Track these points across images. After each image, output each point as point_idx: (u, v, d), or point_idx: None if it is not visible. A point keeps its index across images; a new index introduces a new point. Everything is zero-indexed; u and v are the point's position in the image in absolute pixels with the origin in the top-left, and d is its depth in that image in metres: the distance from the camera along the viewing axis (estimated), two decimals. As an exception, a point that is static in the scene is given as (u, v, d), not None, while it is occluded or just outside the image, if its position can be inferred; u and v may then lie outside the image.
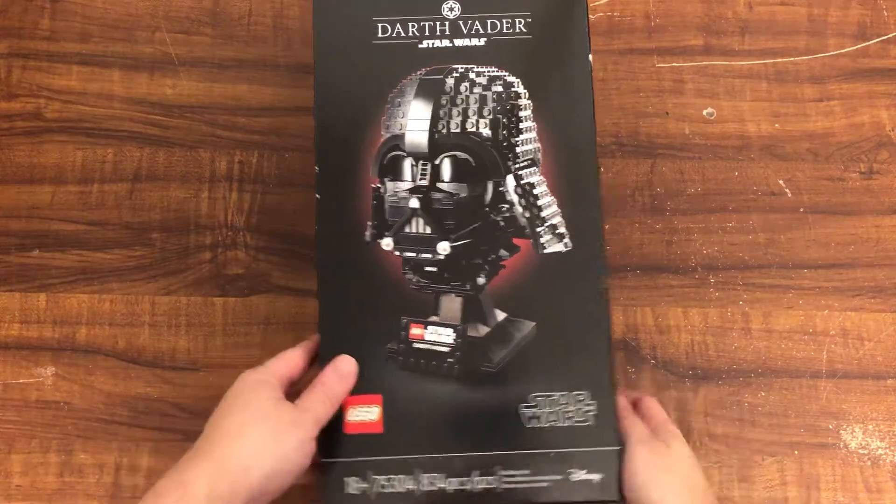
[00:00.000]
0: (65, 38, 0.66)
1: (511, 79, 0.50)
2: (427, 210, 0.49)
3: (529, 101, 0.50)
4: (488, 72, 0.50)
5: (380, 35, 0.51)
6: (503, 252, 0.49)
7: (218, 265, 0.62)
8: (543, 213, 0.49)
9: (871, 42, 0.66)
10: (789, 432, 0.59)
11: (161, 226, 0.62)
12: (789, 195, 0.63)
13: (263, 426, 0.44)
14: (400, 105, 0.50)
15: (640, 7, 0.66)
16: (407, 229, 0.49)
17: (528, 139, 0.50)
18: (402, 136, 0.49)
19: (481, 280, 0.49)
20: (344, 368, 0.48)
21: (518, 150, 0.49)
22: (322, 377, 0.48)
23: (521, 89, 0.50)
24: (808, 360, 0.60)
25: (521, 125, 0.49)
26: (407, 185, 0.49)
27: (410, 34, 0.51)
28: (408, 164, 0.49)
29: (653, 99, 0.64)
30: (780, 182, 0.63)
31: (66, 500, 0.58)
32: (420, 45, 0.51)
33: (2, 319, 0.61)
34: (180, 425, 0.59)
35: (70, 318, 0.61)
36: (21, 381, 0.60)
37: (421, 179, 0.49)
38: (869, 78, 0.65)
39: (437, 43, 0.51)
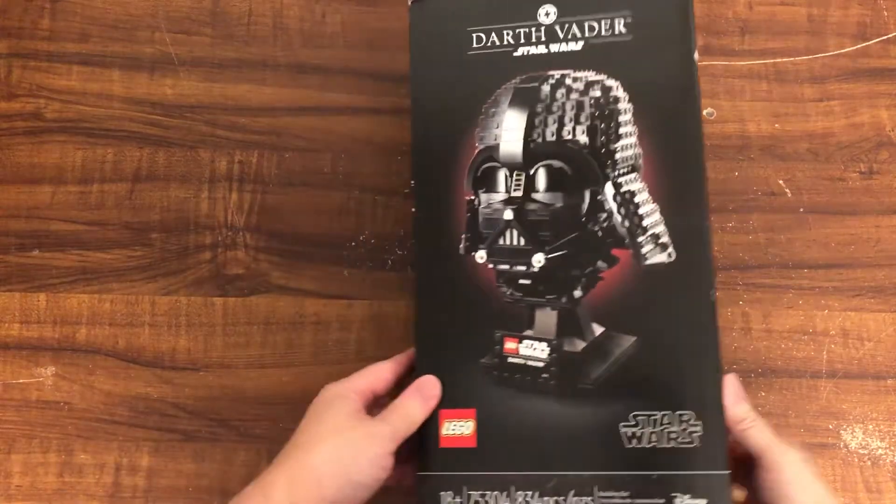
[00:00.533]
0: (65, 38, 0.66)
1: (610, 82, 0.48)
2: (521, 221, 0.48)
3: (630, 105, 0.48)
4: (585, 76, 0.48)
5: (475, 45, 0.50)
6: (601, 264, 0.47)
7: (218, 265, 0.62)
8: (645, 222, 0.47)
9: (871, 42, 0.66)
10: (789, 432, 0.59)
11: (161, 226, 0.62)
12: (789, 195, 0.63)
13: (337, 439, 0.45)
14: (494, 115, 0.49)
15: (640, 7, 0.66)
16: (501, 241, 0.48)
17: (628, 144, 0.48)
18: (496, 147, 0.48)
19: (577, 293, 0.47)
20: (427, 390, 0.48)
21: (617, 156, 0.47)
22: (404, 396, 0.48)
23: (620, 93, 0.48)
24: (807, 360, 0.60)
25: (621, 130, 0.48)
26: (501, 196, 0.48)
27: (505, 42, 0.50)
28: (502, 175, 0.48)
29: (653, 99, 0.64)
30: (780, 182, 0.63)
31: (66, 500, 0.58)
32: (515, 54, 0.49)
33: (2, 319, 0.61)
34: (180, 425, 0.59)
35: (70, 318, 0.61)
36: (21, 381, 0.60)
37: (515, 190, 0.48)
38: (869, 78, 0.65)
39: (533, 50, 0.49)
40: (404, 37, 0.66)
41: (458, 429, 0.47)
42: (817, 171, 0.63)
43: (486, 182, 0.49)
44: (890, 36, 0.66)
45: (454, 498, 0.47)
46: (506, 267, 0.48)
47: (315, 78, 0.64)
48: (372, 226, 0.62)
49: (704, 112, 0.64)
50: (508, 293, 0.48)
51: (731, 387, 0.46)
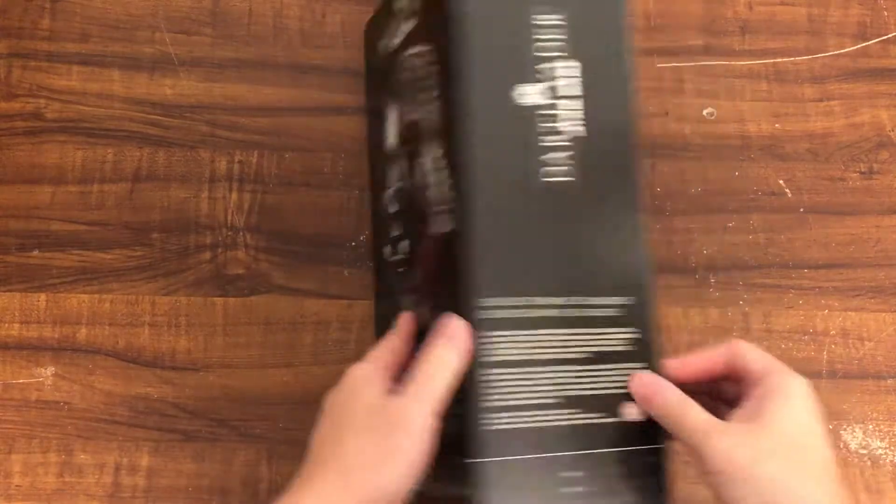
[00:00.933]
0: (65, 38, 0.66)
1: None
2: None
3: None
4: None
5: None
6: None
7: (218, 265, 0.62)
8: None
9: (871, 42, 0.66)
10: (789, 432, 0.59)
11: (161, 226, 0.62)
12: (789, 195, 0.63)
13: (370, 437, 0.40)
14: None
15: (640, 7, 0.66)
16: None
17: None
18: None
19: None
20: (452, 332, 0.42)
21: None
22: (427, 353, 0.42)
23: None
24: (808, 361, 0.60)
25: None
26: None
27: None
28: None
29: (652, 99, 0.64)
30: (781, 182, 0.63)
31: (66, 500, 0.58)
32: None
33: (2, 319, 0.61)
34: (180, 425, 0.59)
35: (70, 318, 0.61)
36: (21, 381, 0.60)
37: None
38: (869, 78, 0.65)
39: None
40: (404, 37, 0.66)
41: None
42: (817, 171, 0.63)
43: None
44: (890, 36, 0.66)
45: None
46: None
47: (315, 78, 0.64)
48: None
49: (704, 112, 0.64)
50: None
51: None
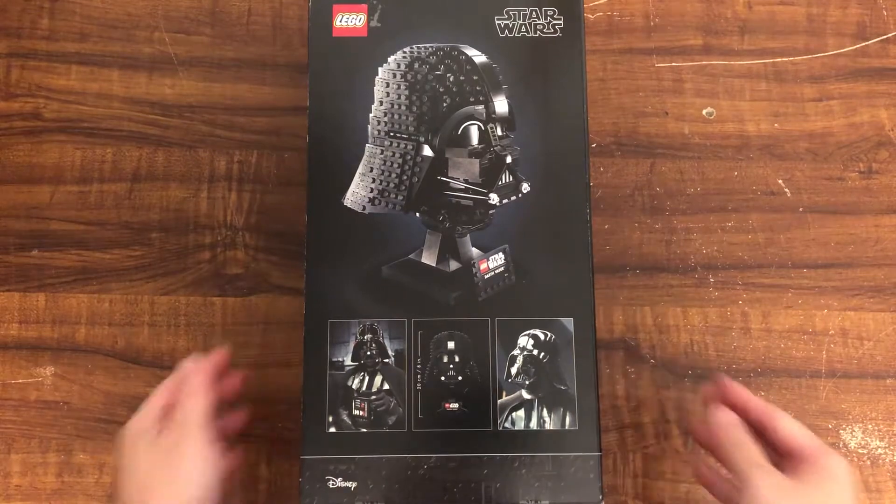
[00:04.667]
0: (64, 37, 0.66)
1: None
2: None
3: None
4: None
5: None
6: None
7: (217, 265, 0.62)
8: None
9: (870, 42, 0.66)
10: (789, 432, 0.59)
11: (160, 226, 0.62)
12: (788, 195, 0.63)
13: (153, 469, 0.46)
14: None
15: (640, 7, 0.66)
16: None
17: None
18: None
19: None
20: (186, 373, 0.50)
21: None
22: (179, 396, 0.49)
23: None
24: (807, 360, 0.60)
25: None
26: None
27: None
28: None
29: (652, 99, 0.64)
30: (780, 182, 0.63)
31: (65, 499, 0.58)
32: None
33: (1, 319, 0.61)
34: (180, 425, 0.59)
35: (69, 318, 0.61)
36: (20, 380, 0.60)
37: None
38: (868, 77, 0.65)
39: None
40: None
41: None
42: (817, 171, 0.63)
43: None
44: (889, 36, 0.66)
45: None
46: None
47: (314, 77, 0.64)
48: (371, 225, 0.62)
49: (704, 112, 0.64)
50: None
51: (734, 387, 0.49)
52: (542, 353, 0.51)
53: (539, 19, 0.54)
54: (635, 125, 0.64)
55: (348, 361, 0.50)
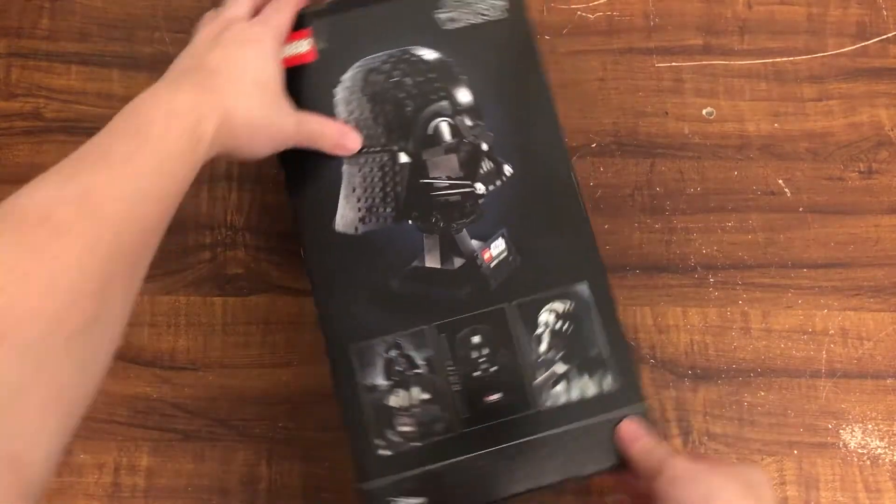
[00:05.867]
0: (64, 37, 0.66)
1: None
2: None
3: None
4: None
5: None
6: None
7: (217, 265, 0.62)
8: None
9: (870, 42, 0.66)
10: (788, 432, 0.59)
11: (160, 225, 0.62)
12: (788, 195, 0.63)
13: (230, 49, 0.47)
14: None
15: (640, 6, 0.66)
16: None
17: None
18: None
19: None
20: None
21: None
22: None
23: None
24: (807, 360, 0.60)
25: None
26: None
27: None
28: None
29: (652, 98, 0.64)
30: (780, 181, 0.63)
31: (66, 499, 0.58)
32: None
33: (1, 319, 0.61)
34: (180, 425, 0.59)
35: (69, 318, 0.61)
36: (20, 380, 0.60)
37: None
38: (868, 77, 0.65)
39: None
40: (404, 36, 0.66)
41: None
42: (817, 171, 0.63)
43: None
44: (889, 35, 0.66)
45: None
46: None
47: (314, 77, 0.64)
48: (371, 225, 0.62)
49: (703, 112, 0.64)
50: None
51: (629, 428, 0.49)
52: (566, 324, 0.51)
53: (480, 3, 0.54)
54: (635, 125, 0.64)
55: (381, 381, 0.50)
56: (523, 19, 0.55)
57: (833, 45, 0.66)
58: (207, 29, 0.50)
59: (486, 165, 0.53)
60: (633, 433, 0.49)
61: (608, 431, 0.49)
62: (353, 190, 0.52)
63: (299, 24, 0.53)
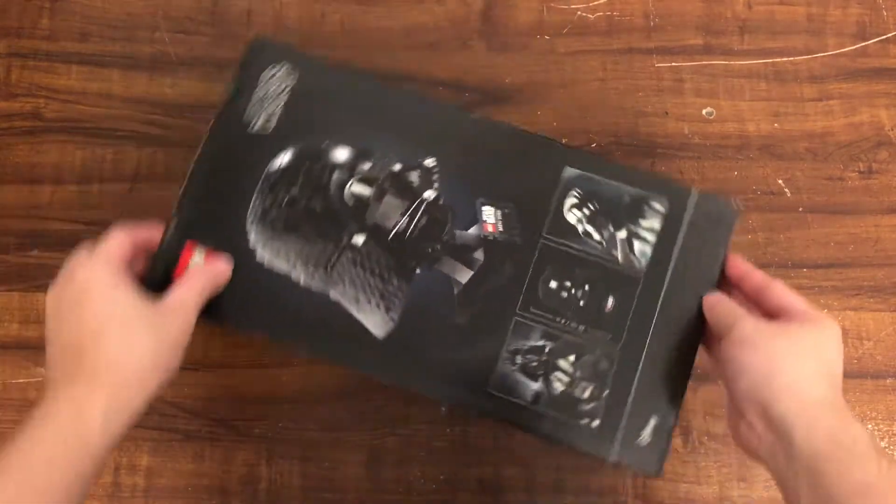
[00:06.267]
0: (64, 37, 0.66)
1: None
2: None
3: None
4: None
5: None
6: None
7: (217, 265, 0.61)
8: None
9: (870, 42, 0.66)
10: (789, 432, 0.59)
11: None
12: (788, 195, 0.63)
13: (141, 328, 0.45)
14: None
15: (640, 6, 0.66)
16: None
17: None
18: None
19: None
20: (218, 269, 0.51)
21: None
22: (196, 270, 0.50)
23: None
24: (807, 360, 0.60)
25: None
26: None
27: None
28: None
29: (652, 98, 0.64)
30: (780, 181, 0.63)
31: (66, 499, 0.58)
32: None
33: (1, 319, 0.61)
34: (180, 425, 0.59)
35: (69, 318, 0.61)
36: (20, 380, 0.60)
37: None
38: (868, 77, 0.65)
39: None
40: (404, 36, 0.66)
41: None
42: (816, 171, 0.63)
43: None
44: (889, 35, 0.66)
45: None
46: None
47: (314, 77, 0.64)
48: (371, 225, 0.62)
49: (703, 112, 0.64)
50: None
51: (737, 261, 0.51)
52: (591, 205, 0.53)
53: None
54: (635, 125, 0.64)
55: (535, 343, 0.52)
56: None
57: (833, 45, 0.66)
58: (52, 295, 0.47)
59: (414, 176, 0.53)
60: (716, 297, 0.50)
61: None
62: (357, 301, 0.52)
63: (182, 238, 0.52)
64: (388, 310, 0.52)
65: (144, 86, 0.65)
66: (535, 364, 0.51)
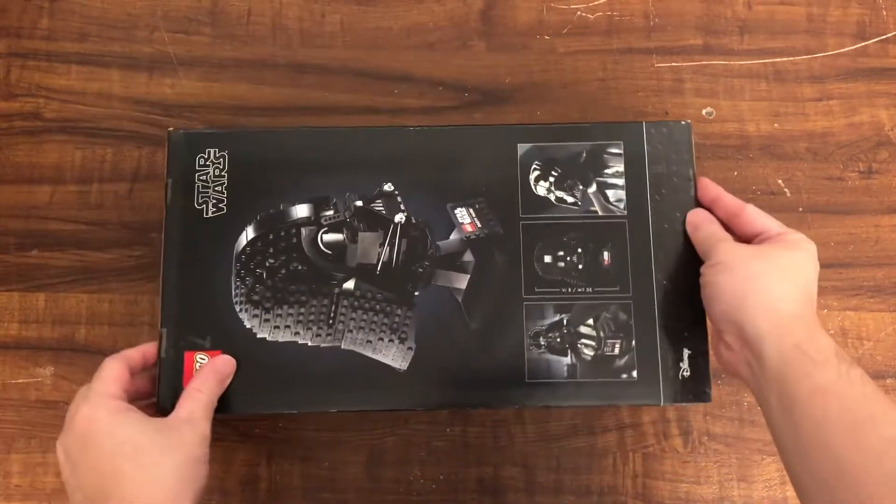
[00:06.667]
0: (63, 37, 0.66)
1: None
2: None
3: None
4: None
5: None
6: None
7: (217, 265, 0.61)
8: None
9: (870, 42, 0.66)
10: (788, 432, 0.59)
11: (160, 225, 0.62)
12: (788, 195, 0.63)
13: (168, 466, 0.45)
14: None
15: (640, 6, 0.66)
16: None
17: None
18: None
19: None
20: (222, 367, 0.51)
21: None
22: (195, 381, 0.49)
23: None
24: (807, 360, 0.60)
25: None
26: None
27: None
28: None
29: (652, 98, 0.64)
30: (780, 181, 0.63)
31: (65, 499, 0.58)
32: None
33: (1, 319, 0.61)
34: (180, 425, 0.59)
35: (69, 318, 0.61)
36: (20, 380, 0.60)
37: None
38: (868, 77, 0.65)
39: None
40: (404, 36, 0.66)
41: None
42: (816, 171, 0.63)
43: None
44: (889, 35, 0.66)
45: None
46: None
47: (314, 78, 0.64)
48: (371, 225, 0.62)
49: (703, 112, 0.64)
50: None
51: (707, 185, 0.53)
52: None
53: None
54: (635, 125, 0.64)
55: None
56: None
57: (833, 45, 0.66)
58: (60, 443, 0.47)
59: (378, 206, 0.53)
60: (698, 218, 0.52)
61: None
62: (371, 342, 0.52)
63: (178, 347, 0.52)
64: (402, 341, 0.52)
65: (144, 86, 0.65)
66: (559, 339, 0.52)
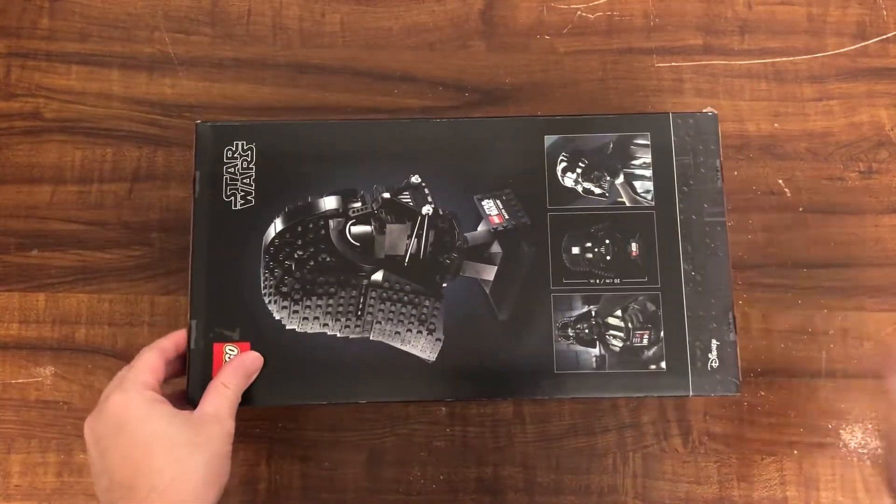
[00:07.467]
0: (64, 37, 0.66)
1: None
2: None
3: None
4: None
5: None
6: None
7: (217, 265, 0.61)
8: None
9: (870, 42, 0.66)
10: (788, 432, 0.59)
11: (160, 225, 0.62)
12: (788, 194, 0.63)
13: (197, 463, 0.45)
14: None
15: (640, 6, 0.66)
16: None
17: None
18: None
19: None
20: (249, 364, 0.51)
21: None
22: (222, 373, 0.50)
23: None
24: (807, 360, 0.60)
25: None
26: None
27: None
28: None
29: (652, 98, 0.64)
30: (780, 181, 0.63)
31: (65, 499, 0.58)
32: None
33: (1, 319, 0.61)
34: (180, 425, 0.59)
35: (69, 318, 0.61)
36: (20, 380, 0.60)
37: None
38: (868, 77, 0.65)
39: None
40: (404, 36, 0.66)
41: None
42: (817, 171, 0.63)
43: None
44: (889, 35, 0.66)
45: None
46: None
47: (314, 78, 0.64)
48: (371, 225, 0.62)
49: (704, 111, 0.64)
50: None
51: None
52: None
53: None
54: (635, 125, 0.64)
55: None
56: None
57: (833, 45, 0.66)
58: (89, 425, 0.47)
59: (406, 198, 0.53)
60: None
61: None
62: (399, 333, 0.52)
63: (208, 338, 0.52)
64: (430, 332, 0.52)
65: (144, 86, 0.65)
66: (587, 330, 0.52)
